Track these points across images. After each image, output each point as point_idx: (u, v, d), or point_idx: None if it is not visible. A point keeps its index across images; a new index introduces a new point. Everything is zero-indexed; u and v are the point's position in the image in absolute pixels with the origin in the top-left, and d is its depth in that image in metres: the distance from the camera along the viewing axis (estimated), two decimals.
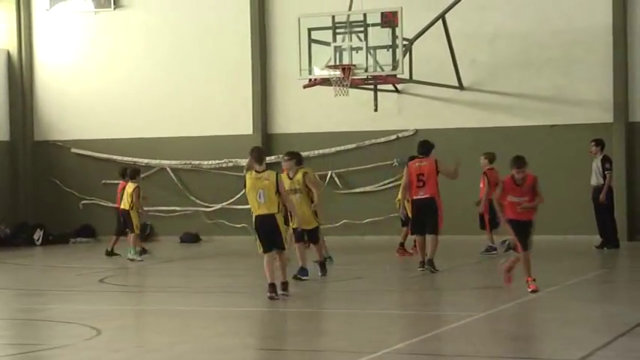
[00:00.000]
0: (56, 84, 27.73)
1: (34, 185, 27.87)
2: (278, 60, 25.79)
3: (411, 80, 22.69)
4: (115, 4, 27.10)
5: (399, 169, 22.12)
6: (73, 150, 27.50)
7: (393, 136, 24.89)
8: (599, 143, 21.34)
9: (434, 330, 11.90)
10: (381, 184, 24.92)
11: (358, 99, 23.91)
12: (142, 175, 24.39)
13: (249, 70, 25.94)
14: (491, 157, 20.30)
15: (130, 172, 21.83)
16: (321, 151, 25.45)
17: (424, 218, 17.33)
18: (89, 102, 27.35)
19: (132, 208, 21.25)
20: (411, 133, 24.61)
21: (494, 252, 19.92)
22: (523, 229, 14.60)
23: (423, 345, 11.05)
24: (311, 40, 21.79)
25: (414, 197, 17.41)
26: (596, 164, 21.18)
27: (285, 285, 14.49)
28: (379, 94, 23.62)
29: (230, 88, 26.21)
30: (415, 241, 18.42)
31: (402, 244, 20.18)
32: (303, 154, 25.36)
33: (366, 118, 24.71)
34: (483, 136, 24.03)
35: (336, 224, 25.17)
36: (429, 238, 17.27)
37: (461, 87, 24.30)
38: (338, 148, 25.41)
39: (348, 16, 22.00)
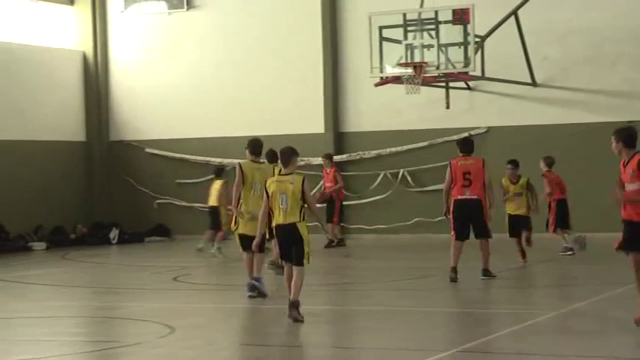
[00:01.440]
0: (131, 85, 28.08)
1: (109, 185, 28.25)
2: (349, 58, 25.83)
3: (482, 77, 22.59)
4: (188, 4, 27.38)
5: None
6: (147, 150, 27.83)
7: (465, 134, 24.73)
8: None
9: (505, 328, 11.85)
10: None
11: (430, 97, 23.87)
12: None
13: (320, 69, 26.03)
14: (548, 162, 19.63)
15: (215, 170, 22.58)
16: (392, 149, 25.45)
17: (469, 221, 15.88)
18: (163, 102, 27.65)
19: (220, 205, 21.56)
20: (484, 130, 24.48)
21: (570, 252, 19.58)
22: (634, 232, 11.20)
23: (494, 343, 11.00)
24: (382, 38, 21.85)
25: (458, 197, 15.87)
26: None
27: (293, 305, 12.36)
28: (451, 91, 23.56)
29: (302, 87, 26.30)
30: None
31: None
32: (375, 152, 25.67)
33: (437, 115, 24.63)
34: (556, 133, 23.81)
35: (408, 222, 25.18)
36: (479, 243, 16.05)
37: (534, 83, 24.11)
38: (410, 146, 25.36)
39: (420, 13, 22.00)
